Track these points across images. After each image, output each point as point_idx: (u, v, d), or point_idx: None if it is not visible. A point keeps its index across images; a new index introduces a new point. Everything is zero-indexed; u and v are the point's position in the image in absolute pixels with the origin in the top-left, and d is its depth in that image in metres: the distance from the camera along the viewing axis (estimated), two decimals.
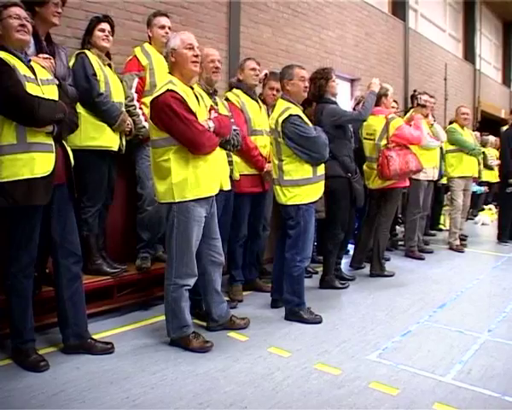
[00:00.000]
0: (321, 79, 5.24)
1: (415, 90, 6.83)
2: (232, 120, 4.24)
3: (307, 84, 4.56)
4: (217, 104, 4.26)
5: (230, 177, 4.33)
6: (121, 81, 4.52)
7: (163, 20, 4.77)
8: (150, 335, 4.08)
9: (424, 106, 6.76)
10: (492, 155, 11.03)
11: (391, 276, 6.16)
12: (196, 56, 3.65)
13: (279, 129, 4.38)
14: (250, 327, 4.28)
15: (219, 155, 3.92)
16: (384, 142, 5.92)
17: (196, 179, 3.62)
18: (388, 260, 6.80)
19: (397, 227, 8.18)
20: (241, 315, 4.39)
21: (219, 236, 4.01)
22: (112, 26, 4.42)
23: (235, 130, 4.14)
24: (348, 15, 9.25)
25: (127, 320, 4.39)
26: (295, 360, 3.70)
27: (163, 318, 3.97)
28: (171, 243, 3.71)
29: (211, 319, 4.16)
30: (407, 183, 6.28)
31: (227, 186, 4.09)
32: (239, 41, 6.45)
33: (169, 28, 4.77)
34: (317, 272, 5.91)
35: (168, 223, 3.70)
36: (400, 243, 7.84)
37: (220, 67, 4.36)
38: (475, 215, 11.16)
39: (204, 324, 4.24)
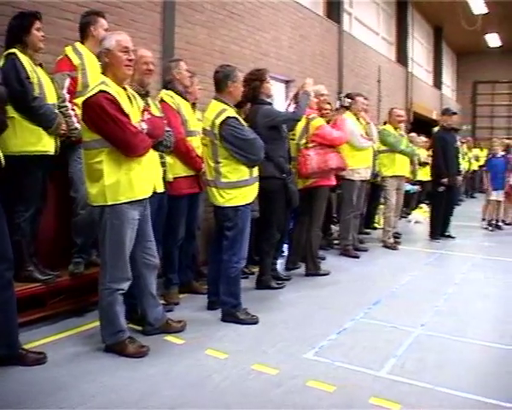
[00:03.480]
0: (255, 81, 5.25)
1: (339, 92, 6.94)
2: (165, 122, 4.20)
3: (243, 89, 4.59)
4: (149, 105, 4.21)
5: (164, 179, 4.29)
6: (52, 81, 4.39)
7: (105, 23, 4.67)
8: (85, 342, 3.97)
9: (348, 107, 6.86)
10: (423, 154, 11.37)
11: (326, 275, 6.23)
12: (131, 60, 3.61)
13: (216, 131, 4.36)
14: (187, 330, 4.25)
15: (152, 156, 3.88)
16: (304, 141, 5.99)
17: (129, 182, 3.56)
18: (324, 259, 6.89)
19: (332, 226, 8.29)
20: (178, 318, 4.36)
21: (153, 238, 3.97)
22: None
23: (167, 131, 4.10)
24: (283, 17, 9.32)
25: (60, 328, 4.26)
26: (233, 361, 3.70)
27: (98, 324, 3.89)
28: (104, 247, 3.65)
29: (147, 323, 4.11)
30: (332, 181, 6.34)
31: (160, 188, 4.06)
32: (173, 42, 6.38)
33: (106, 30, 4.67)
34: (253, 273, 5.92)
35: (101, 226, 3.62)
36: (335, 242, 7.96)
37: (153, 69, 4.31)
38: (409, 214, 11.46)
39: (140, 328, 4.17)
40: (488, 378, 3.57)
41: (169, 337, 4.11)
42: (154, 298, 4.07)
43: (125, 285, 3.72)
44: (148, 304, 4.05)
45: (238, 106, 4.90)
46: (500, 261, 7.54)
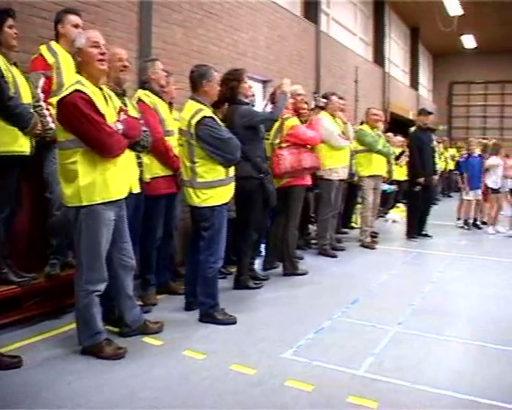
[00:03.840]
0: (233, 81, 5.24)
1: (315, 92, 6.95)
2: (142, 122, 4.18)
3: (219, 87, 4.58)
4: (126, 105, 4.18)
5: (140, 179, 4.27)
6: (27, 81, 4.33)
7: (77, 19, 4.60)
8: (61, 344, 3.93)
9: (323, 107, 6.88)
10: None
11: (304, 274, 6.24)
12: (102, 54, 3.57)
13: (192, 131, 4.34)
14: (164, 331, 4.22)
15: (128, 157, 3.85)
16: (277, 141, 6.01)
17: (105, 182, 3.53)
18: (302, 258, 6.90)
19: (309, 226, 8.31)
20: (156, 319, 4.34)
21: (130, 239, 3.94)
22: None
23: (144, 131, 4.07)
24: (261, 17, 9.34)
25: (36, 331, 4.20)
26: (211, 361, 3.69)
27: (74, 326, 3.85)
28: (79, 248, 3.61)
29: (124, 325, 4.07)
30: (307, 181, 6.36)
31: (136, 189, 4.03)
32: (150, 41, 6.35)
33: (80, 27, 4.61)
34: (231, 273, 5.91)
35: (76, 227, 3.59)
36: (313, 241, 7.96)
37: (128, 66, 4.29)
38: (386, 213, 11.54)
39: (117, 330, 4.13)
40: (464, 375, 3.60)
41: (147, 339, 4.08)
42: (131, 299, 4.04)
43: (102, 287, 3.69)
44: (125, 305, 4.02)
45: (215, 106, 4.88)
46: (476, 259, 7.65)
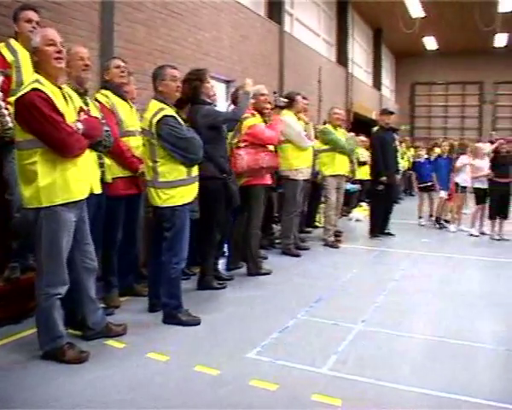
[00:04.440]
0: (195, 80, 5.21)
1: (274, 92, 6.95)
2: (103, 121, 4.12)
3: (179, 83, 4.54)
4: (87, 105, 4.12)
5: (102, 180, 4.21)
6: None
7: (30, 14, 4.51)
8: (21, 349, 3.83)
9: (283, 107, 6.92)
10: (362, 153, 11.58)
11: (268, 274, 6.25)
12: (59, 52, 3.50)
13: (153, 130, 4.32)
14: (128, 333, 4.17)
15: (89, 157, 3.80)
16: (235, 141, 6.02)
17: (65, 183, 3.48)
18: (266, 258, 6.90)
19: (273, 226, 8.32)
20: (119, 321, 4.28)
21: (91, 241, 3.89)
22: None
23: (106, 131, 4.03)
24: (224, 17, 9.32)
25: None
26: (175, 363, 3.67)
27: (35, 330, 3.76)
28: (39, 251, 3.54)
29: (86, 328, 4.01)
30: (267, 181, 6.37)
31: (98, 189, 3.97)
32: (112, 40, 6.27)
33: (37, 23, 4.52)
34: (194, 274, 5.86)
35: (36, 229, 3.51)
36: (277, 241, 7.96)
37: (90, 65, 4.22)
38: (349, 212, 11.65)
39: (79, 333, 4.06)
40: (428, 371, 3.67)
41: (110, 342, 4.03)
42: (93, 302, 3.98)
43: (63, 290, 3.62)
44: (87, 308, 3.96)
45: (179, 106, 4.85)
46: (438, 257, 7.80)
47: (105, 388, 3.27)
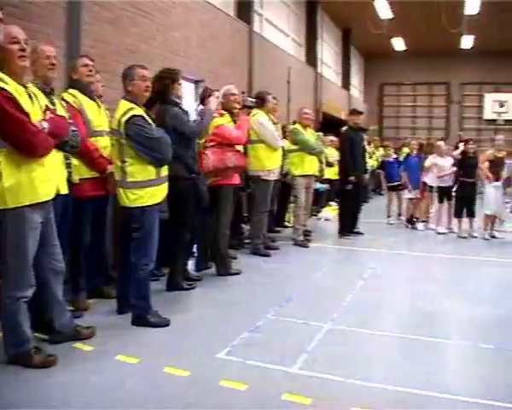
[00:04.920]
0: (167, 79, 5.17)
1: (243, 92, 6.95)
2: (70, 121, 4.06)
3: (149, 83, 4.51)
4: (54, 104, 4.05)
5: (69, 180, 4.15)
6: None
7: None
8: None
9: (251, 107, 6.92)
10: (331, 153, 11.65)
11: (237, 274, 6.23)
12: (23, 50, 3.43)
13: (122, 130, 4.28)
14: (96, 336, 4.12)
15: (55, 157, 3.73)
16: (202, 140, 6.00)
17: (31, 183, 3.41)
18: (235, 258, 6.88)
19: (243, 225, 8.32)
20: (87, 324, 4.22)
21: (58, 242, 3.82)
22: None
23: (73, 130, 3.97)
24: (194, 16, 9.29)
25: None
26: (144, 365, 3.64)
27: (0, 334, 3.69)
28: (5, 253, 3.47)
29: (54, 331, 3.94)
30: (235, 181, 6.36)
31: (64, 190, 3.90)
32: (79, 39, 6.18)
33: (1, 20, 4.41)
34: (163, 275, 5.80)
35: (1, 231, 3.44)
36: (247, 241, 7.95)
37: (56, 64, 4.15)
38: (318, 212, 11.71)
39: (47, 337, 3.99)
40: (398, 368, 3.71)
41: (78, 345, 3.97)
42: (60, 304, 3.92)
43: (29, 292, 3.56)
44: (54, 311, 3.89)
45: (148, 105, 4.81)
46: (406, 256, 7.91)
47: (71, 393, 3.23)
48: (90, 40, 6.42)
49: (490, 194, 9.26)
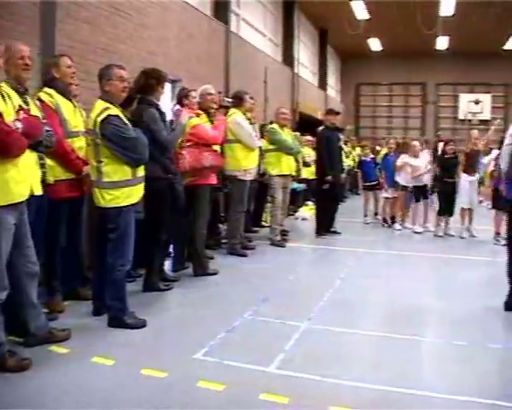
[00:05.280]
0: (153, 78, 5.16)
1: (220, 92, 6.95)
2: (44, 121, 4.01)
3: (126, 84, 4.48)
4: (28, 104, 3.99)
5: (43, 181, 4.10)
6: None
7: None
8: None
9: (227, 107, 6.90)
10: (308, 153, 11.69)
11: (214, 274, 6.21)
12: None
13: (97, 130, 4.25)
14: (72, 338, 4.08)
15: (29, 157, 3.68)
16: (179, 140, 5.93)
17: (5, 184, 3.38)
18: (212, 258, 6.86)
19: (219, 225, 8.30)
20: (62, 326, 4.18)
21: (32, 244, 3.78)
22: None
23: (47, 131, 3.91)
24: (171, 16, 9.26)
25: None
26: (121, 367, 3.62)
27: None
28: None
29: (28, 334, 3.90)
30: (212, 180, 6.34)
31: (38, 191, 3.85)
32: (54, 37, 6.11)
33: None
34: (140, 276, 5.75)
35: None
36: (224, 241, 7.92)
37: (30, 64, 4.08)
38: (295, 211, 11.72)
39: (21, 339, 3.94)
40: (375, 366, 3.74)
41: (53, 347, 3.92)
42: (35, 307, 3.87)
43: (3, 295, 3.50)
44: (29, 313, 3.84)
45: (125, 105, 4.77)
46: (383, 255, 7.96)
47: (47, 396, 3.20)
48: (65, 39, 6.34)
49: (464, 188, 9.38)
